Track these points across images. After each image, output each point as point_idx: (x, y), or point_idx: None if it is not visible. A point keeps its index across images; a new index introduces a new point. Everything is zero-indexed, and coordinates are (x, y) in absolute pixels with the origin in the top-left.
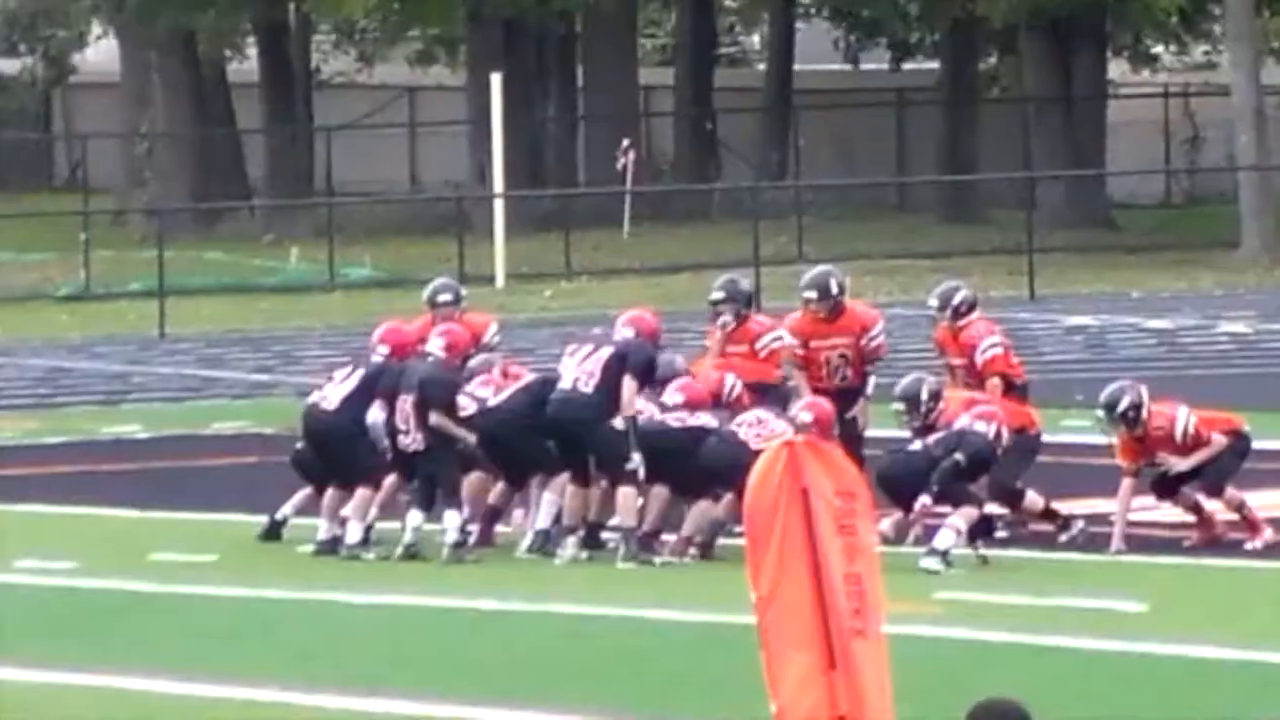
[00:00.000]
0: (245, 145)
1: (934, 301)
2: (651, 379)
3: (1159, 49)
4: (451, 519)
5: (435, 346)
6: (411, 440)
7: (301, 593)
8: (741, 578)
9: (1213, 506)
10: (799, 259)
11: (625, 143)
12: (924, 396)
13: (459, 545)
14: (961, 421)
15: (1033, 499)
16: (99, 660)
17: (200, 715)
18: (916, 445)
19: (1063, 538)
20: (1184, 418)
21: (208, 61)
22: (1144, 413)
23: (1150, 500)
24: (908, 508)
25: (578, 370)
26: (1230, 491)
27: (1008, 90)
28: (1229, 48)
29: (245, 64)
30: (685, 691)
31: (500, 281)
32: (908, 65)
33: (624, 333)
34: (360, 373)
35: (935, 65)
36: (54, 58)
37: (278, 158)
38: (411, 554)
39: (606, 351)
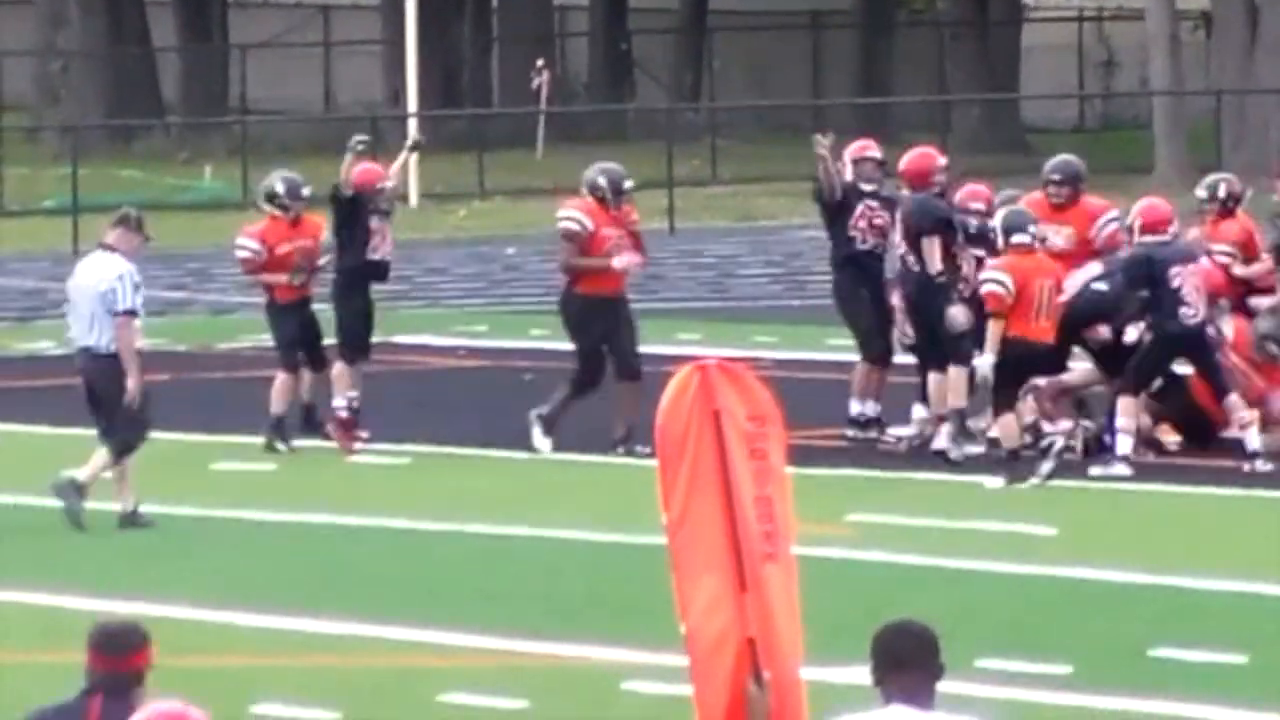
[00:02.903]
0: (160, 63)
1: None
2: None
3: None
4: None
5: None
6: None
7: (213, 510)
8: (653, 499)
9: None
10: (712, 180)
11: (540, 63)
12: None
13: None
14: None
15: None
16: (6, 576)
17: None
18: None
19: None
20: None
21: None
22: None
23: None
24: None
25: (899, 258)
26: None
27: (923, 13)
28: None
29: None
30: (595, 613)
31: (414, 201)
32: None
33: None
34: None
35: None
36: None
37: (192, 76)
38: None
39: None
